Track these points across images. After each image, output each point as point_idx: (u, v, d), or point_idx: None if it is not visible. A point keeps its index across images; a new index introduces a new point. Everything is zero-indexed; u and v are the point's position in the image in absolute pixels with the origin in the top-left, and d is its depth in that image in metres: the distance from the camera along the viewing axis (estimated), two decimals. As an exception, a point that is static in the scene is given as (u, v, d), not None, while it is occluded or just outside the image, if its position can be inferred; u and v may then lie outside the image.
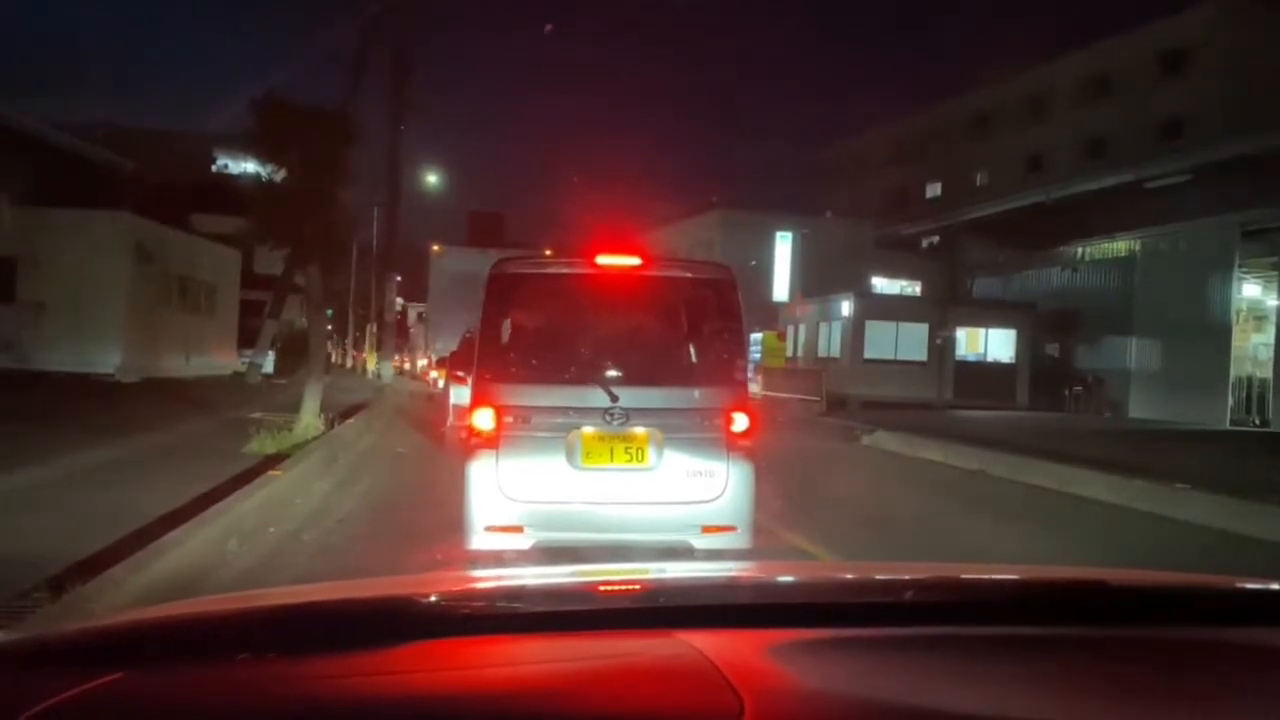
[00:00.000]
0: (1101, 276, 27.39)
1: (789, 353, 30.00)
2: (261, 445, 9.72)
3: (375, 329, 32.79)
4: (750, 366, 18.34)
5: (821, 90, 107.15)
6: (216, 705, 1.09)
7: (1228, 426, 22.52)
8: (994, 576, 1.83)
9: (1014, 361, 26.92)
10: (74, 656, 1.19)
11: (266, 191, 12.36)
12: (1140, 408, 24.89)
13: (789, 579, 1.86)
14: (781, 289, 35.17)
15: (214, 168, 40.53)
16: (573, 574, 1.88)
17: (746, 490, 5.11)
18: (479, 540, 4.98)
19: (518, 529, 4.98)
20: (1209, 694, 1.24)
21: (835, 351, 26.79)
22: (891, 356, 25.85)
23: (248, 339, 25.70)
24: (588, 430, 4.99)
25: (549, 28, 48.84)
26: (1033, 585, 1.68)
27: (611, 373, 5.16)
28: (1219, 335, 23.61)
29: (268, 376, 23.54)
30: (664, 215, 41.04)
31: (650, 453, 5.02)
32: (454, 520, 5.16)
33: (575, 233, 23.41)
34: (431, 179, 30.90)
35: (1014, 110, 41.04)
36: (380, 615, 1.32)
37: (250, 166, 17.23)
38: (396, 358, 32.43)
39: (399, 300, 39.71)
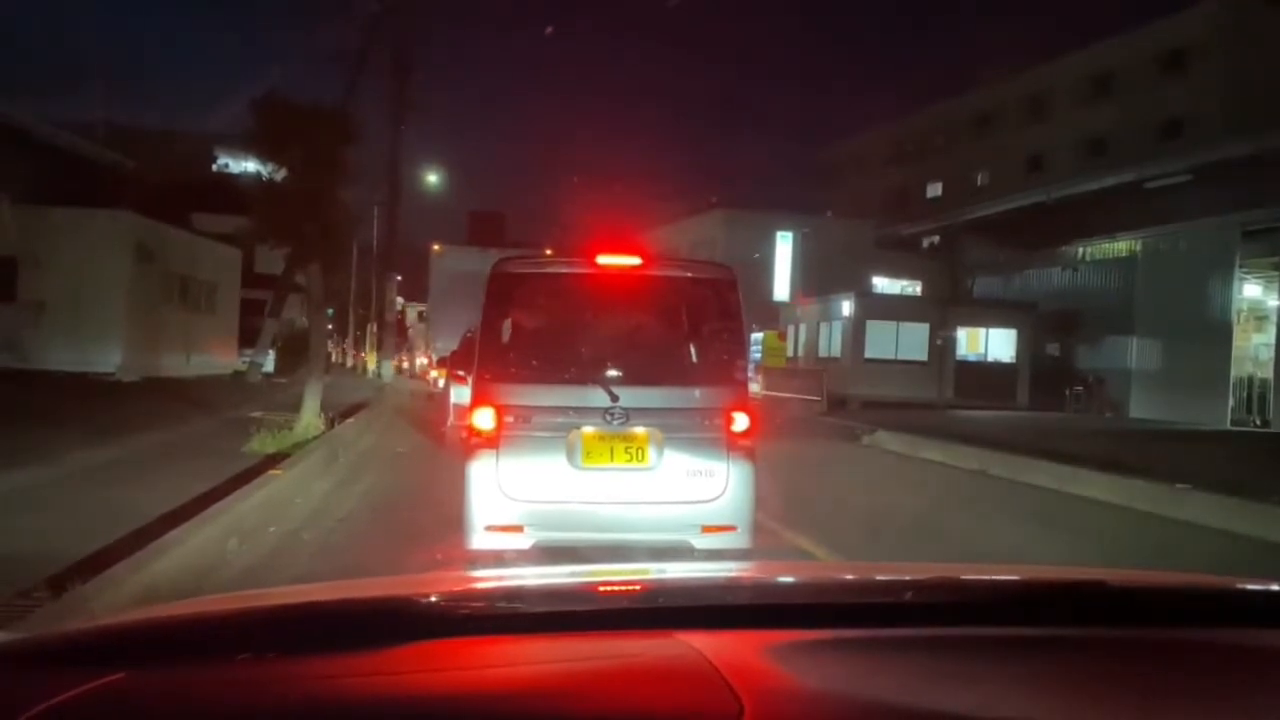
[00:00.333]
0: (1102, 276, 27.38)
1: (789, 352, 30.00)
2: (262, 444, 9.73)
3: (375, 328, 32.78)
4: (751, 366, 18.32)
5: (822, 90, 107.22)
6: (217, 705, 1.09)
7: (1228, 427, 22.52)
8: (994, 577, 1.83)
9: (1014, 361, 26.92)
10: (75, 656, 1.19)
11: (267, 191, 12.38)
12: (1141, 408, 24.89)
13: (789, 579, 1.86)
14: (782, 288, 35.17)
15: (214, 167, 40.55)
16: (573, 574, 1.88)
17: (747, 490, 5.11)
18: (479, 540, 4.98)
19: (518, 528, 4.98)
20: (1210, 694, 1.24)
21: (836, 351, 26.78)
22: (892, 356, 25.84)
23: (248, 338, 25.72)
24: (588, 430, 4.99)
25: (549, 29, 48.64)
26: (1033, 586, 1.68)
27: (612, 372, 5.16)
28: (1220, 335, 23.61)
29: (268, 376, 23.55)
30: (664, 214, 41.08)
31: (650, 452, 5.02)
32: (454, 520, 5.16)
33: (576, 232, 23.44)
34: (432, 178, 30.93)
35: (1015, 110, 41.04)
36: (380, 615, 1.32)
37: (251, 166, 17.24)
38: (397, 357, 32.43)
39: (399, 300, 39.72)
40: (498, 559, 5.03)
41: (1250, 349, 24.71)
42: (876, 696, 1.12)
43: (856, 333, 26.01)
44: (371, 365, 34.13)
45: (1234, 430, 21.95)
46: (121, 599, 3.97)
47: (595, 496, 5.01)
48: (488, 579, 1.86)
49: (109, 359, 19.33)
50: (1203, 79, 32.25)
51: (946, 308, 27.47)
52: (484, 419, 5.02)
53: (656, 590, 1.57)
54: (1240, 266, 23.66)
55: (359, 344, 46.55)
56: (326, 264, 13.18)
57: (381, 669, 1.16)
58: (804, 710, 1.09)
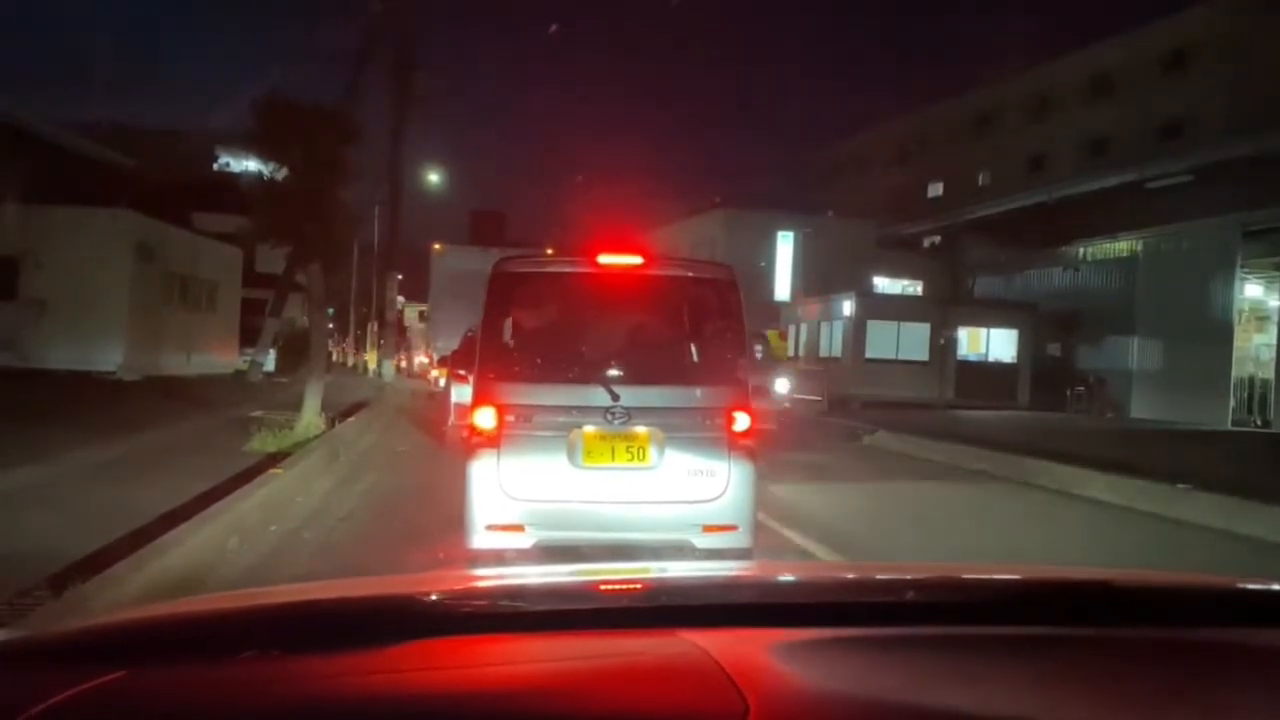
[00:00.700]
0: (1103, 276, 27.38)
1: (790, 352, 30.00)
2: (263, 443, 9.73)
3: (376, 327, 32.77)
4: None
5: (823, 90, 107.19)
6: (220, 703, 1.09)
7: (1229, 427, 22.53)
8: (997, 576, 1.82)
9: (1015, 361, 26.92)
10: (77, 654, 1.19)
11: (268, 190, 12.37)
12: (1142, 408, 24.89)
13: (791, 578, 1.86)
14: (783, 288, 35.15)
15: (215, 166, 40.58)
16: (575, 573, 1.88)
17: (748, 490, 5.11)
18: (480, 539, 4.98)
19: (519, 528, 4.98)
20: (1213, 694, 1.24)
21: (837, 351, 26.79)
22: (893, 356, 25.85)
23: (249, 337, 25.73)
24: (589, 429, 4.99)
25: (553, 28, 48.59)
26: (1035, 585, 1.68)
27: (613, 372, 5.16)
28: (1221, 336, 23.62)
29: (269, 375, 23.55)
30: (665, 214, 41.06)
31: (651, 452, 5.02)
32: (455, 519, 5.16)
33: (577, 232, 23.43)
34: (433, 177, 30.88)
35: (1016, 110, 41.02)
36: (383, 613, 1.32)
37: (252, 165, 17.23)
38: (397, 356, 32.42)
39: (400, 299, 39.72)
40: (499, 558, 5.03)
41: (1251, 349, 24.72)
42: (881, 695, 1.11)
43: (857, 332, 26.01)
44: (372, 365, 34.12)
45: (1235, 431, 21.95)
46: (122, 598, 3.98)
47: (596, 496, 5.01)
48: (490, 577, 1.86)
49: (110, 358, 19.34)
50: (1204, 79, 32.22)
51: (947, 308, 27.47)
52: (485, 418, 5.02)
53: (659, 589, 1.57)
54: (1241, 267, 23.67)
55: (360, 343, 46.55)
56: (327, 263, 13.18)
57: (384, 667, 1.16)
58: (809, 708, 1.09)
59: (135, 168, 26.64)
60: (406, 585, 1.56)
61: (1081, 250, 28.60)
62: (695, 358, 5.69)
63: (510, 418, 5.00)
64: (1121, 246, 27.23)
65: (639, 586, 1.59)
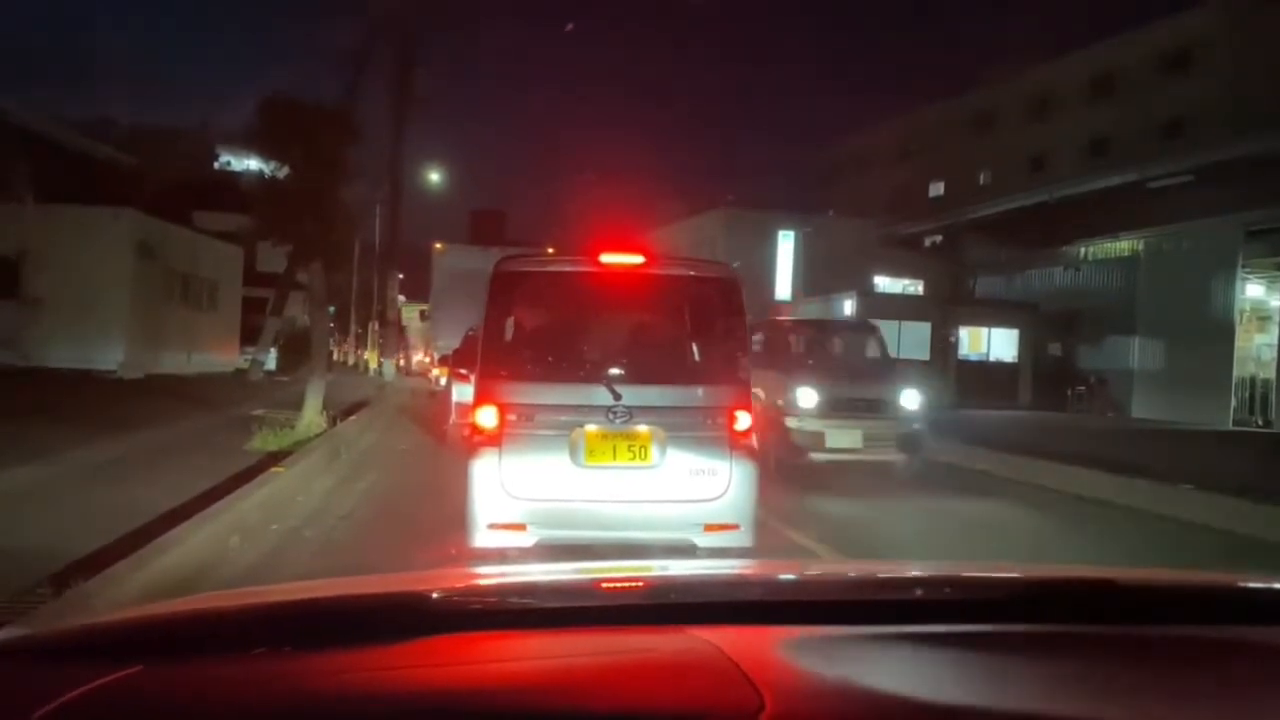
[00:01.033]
0: (1104, 276, 27.38)
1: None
2: (264, 442, 9.73)
3: (377, 326, 32.77)
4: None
5: (824, 89, 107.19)
6: (231, 699, 1.09)
7: (1230, 427, 22.52)
8: (1003, 575, 1.82)
9: (1017, 361, 26.93)
10: (86, 652, 1.19)
11: (269, 189, 12.39)
12: (1143, 408, 24.88)
13: (797, 576, 1.86)
14: (784, 288, 35.14)
15: (216, 165, 40.59)
16: (583, 570, 1.88)
17: (749, 489, 5.11)
18: (482, 538, 4.98)
19: (520, 527, 4.98)
20: (1217, 692, 1.24)
21: (838, 350, 26.74)
22: (894, 355, 25.80)
23: (250, 336, 25.74)
24: (591, 428, 4.99)
25: (566, 27, 48.55)
26: (1043, 584, 1.68)
27: (615, 371, 5.16)
28: (1222, 335, 23.62)
29: (270, 374, 23.57)
30: (666, 213, 41.06)
31: (653, 451, 5.02)
32: (456, 518, 5.16)
33: (577, 231, 23.43)
34: (434, 176, 30.88)
35: (1017, 109, 41.02)
36: (392, 610, 1.32)
37: (253, 163, 17.24)
38: (398, 355, 32.44)
39: (401, 298, 39.74)
40: (501, 556, 5.03)
41: (1252, 349, 24.71)
42: (892, 691, 1.11)
43: (858, 332, 25.96)
44: (373, 364, 34.13)
45: (1236, 430, 21.95)
46: (123, 596, 3.97)
47: (598, 495, 5.01)
48: (496, 575, 1.86)
49: (111, 356, 19.35)
50: (1205, 79, 32.22)
51: (948, 307, 27.47)
52: (487, 417, 5.02)
53: (667, 586, 1.57)
54: (1243, 266, 23.66)
55: (360, 342, 46.57)
56: (328, 262, 13.19)
57: (393, 664, 1.16)
58: (823, 705, 1.09)
59: (136, 166, 26.66)
60: (414, 582, 1.56)
61: (1082, 250, 28.61)
62: (697, 357, 5.70)
63: (512, 416, 5.00)
64: (1123, 246, 27.23)
65: (645, 584, 1.59)
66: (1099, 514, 9.29)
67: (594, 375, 5.14)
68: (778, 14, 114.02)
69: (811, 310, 29.54)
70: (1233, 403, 23.74)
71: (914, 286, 36.53)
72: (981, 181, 42.06)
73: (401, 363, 39.56)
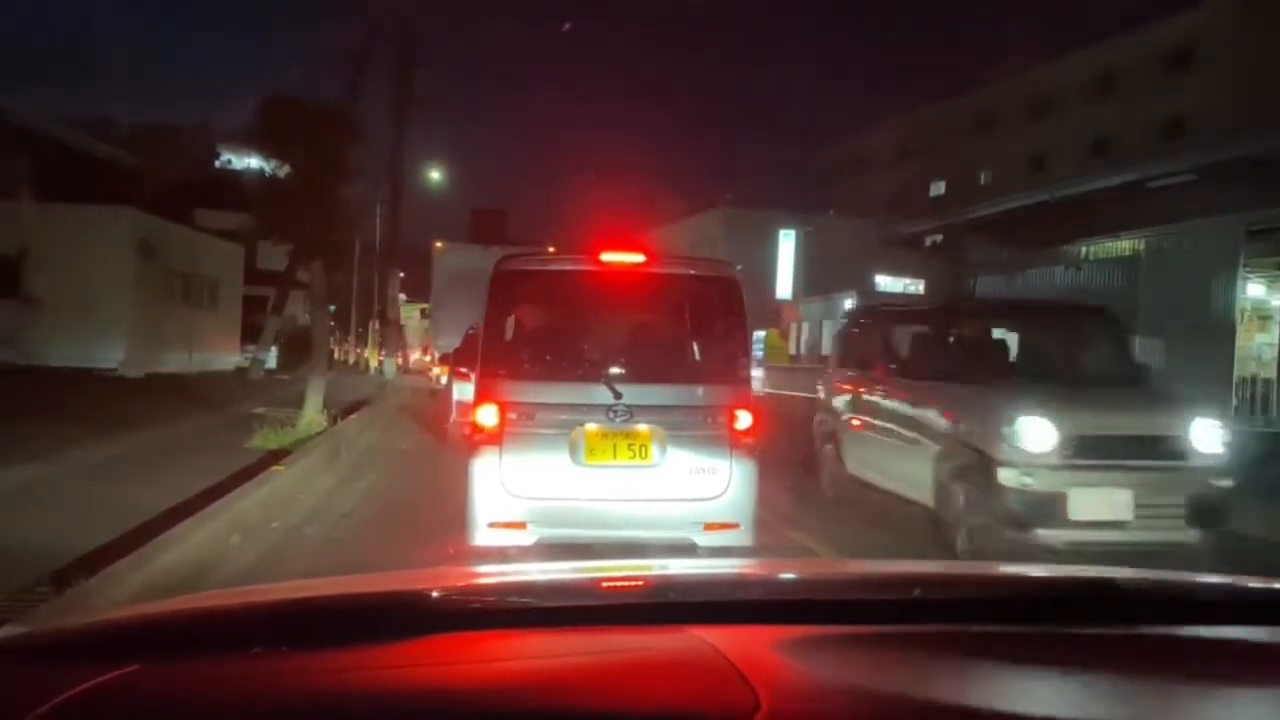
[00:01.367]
0: (1105, 276, 27.31)
1: (792, 350, 30.00)
2: (265, 441, 9.74)
3: (378, 325, 32.77)
4: (755, 362, 18.26)
5: (825, 89, 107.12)
6: (230, 698, 1.09)
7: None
8: (1002, 575, 1.83)
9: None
10: (86, 650, 1.19)
11: (270, 187, 12.40)
12: (1144, 407, 24.86)
13: (797, 575, 1.86)
14: (784, 287, 35.16)
15: (217, 163, 40.59)
16: (582, 569, 1.88)
17: (749, 488, 5.12)
18: (482, 536, 4.99)
19: (521, 525, 4.99)
20: (1217, 692, 1.24)
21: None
22: (894, 354, 25.79)
23: (251, 334, 25.75)
24: (591, 427, 4.99)
25: (566, 26, 48.59)
26: (1042, 584, 1.68)
27: (615, 370, 5.17)
28: (1223, 335, 23.54)
29: (270, 372, 23.57)
30: (666, 213, 41.06)
31: (653, 450, 5.02)
32: (457, 516, 5.16)
33: (577, 230, 23.44)
34: (434, 175, 30.91)
35: (1018, 109, 41.01)
36: (390, 609, 1.32)
37: (254, 162, 17.25)
38: (398, 353, 32.43)
39: (401, 296, 39.74)
40: (502, 555, 5.03)
41: (1253, 349, 24.65)
42: (891, 691, 1.12)
43: (859, 331, 25.94)
44: (374, 362, 34.13)
45: (1236, 430, 21.92)
46: (124, 595, 3.98)
47: (598, 494, 5.02)
48: (495, 573, 1.86)
49: (112, 355, 19.37)
50: (1206, 78, 32.19)
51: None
52: (487, 416, 5.02)
53: (666, 585, 1.57)
54: (1244, 266, 23.62)
55: (361, 341, 46.59)
56: (329, 261, 13.20)
57: (391, 663, 1.16)
58: (820, 705, 1.09)
59: (137, 165, 26.67)
60: (413, 581, 1.56)
61: (1083, 249, 28.55)
62: (697, 356, 5.71)
63: (512, 415, 5.01)
64: (1123, 246, 27.17)
65: (645, 583, 1.59)
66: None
67: (594, 374, 5.15)
68: (778, 14, 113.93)
69: (812, 310, 29.54)
70: (1233, 402, 23.70)
71: (914, 286, 36.47)
72: (982, 181, 42.04)
73: (400, 361, 39.60)
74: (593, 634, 1.29)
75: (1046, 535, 5.99)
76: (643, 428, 5.02)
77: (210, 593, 1.81)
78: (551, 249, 9.40)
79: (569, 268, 5.51)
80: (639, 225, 31.46)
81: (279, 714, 1.08)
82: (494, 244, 23.88)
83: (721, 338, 5.58)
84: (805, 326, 29.63)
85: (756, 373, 18.08)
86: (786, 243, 36.15)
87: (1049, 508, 5.97)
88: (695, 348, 5.75)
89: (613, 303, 5.65)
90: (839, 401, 9.12)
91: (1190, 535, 6.25)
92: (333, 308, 29.94)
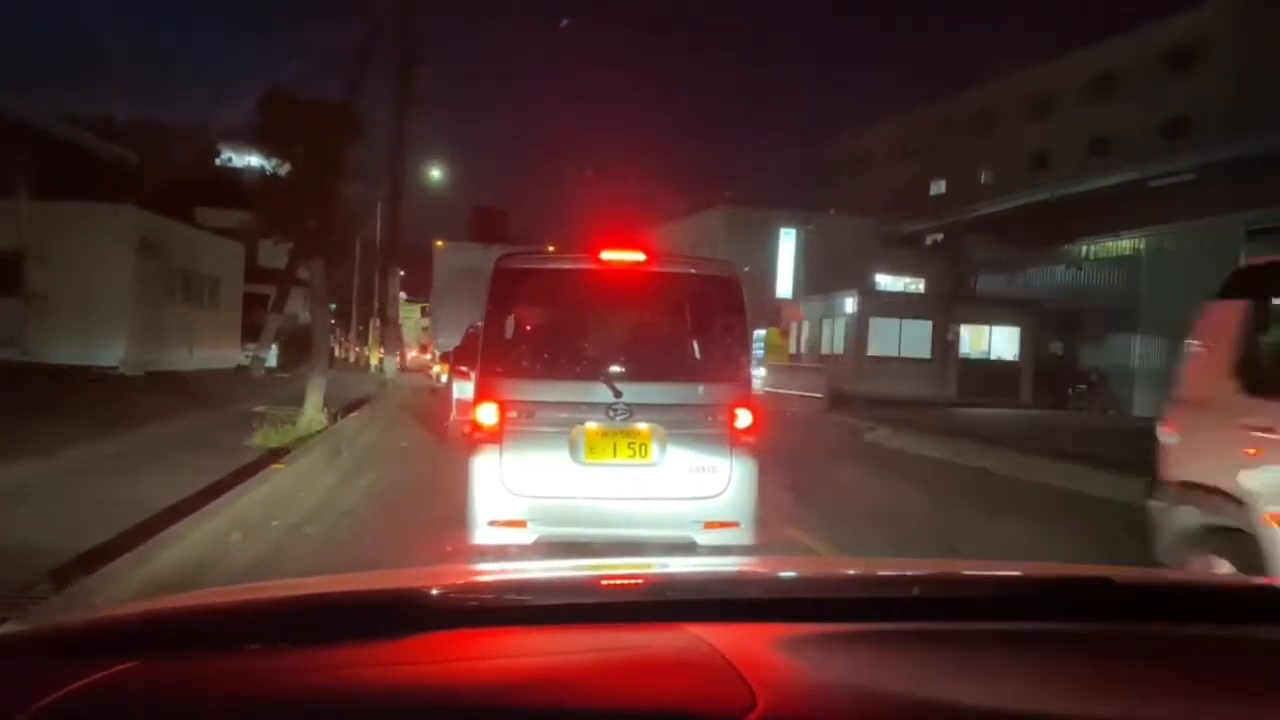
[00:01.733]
0: (1105, 275, 27.36)
1: (792, 349, 30.02)
2: (265, 439, 9.75)
3: (378, 324, 32.77)
4: (756, 361, 18.27)
5: (826, 87, 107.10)
6: (230, 694, 1.10)
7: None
8: (1000, 573, 1.83)
9: (1018, 359, 26.93)
10: (85, 646, 1.20)
11: (270, 185, 12.40)
12: (1145, 406, 24.81)
13: (795, 574, 1.87)
14: (785, 285, 35.17)
15: (218, 161, 40.55)
16: (579, 567, 1.88)
17: (749, 487, 5.12)
18: (482, 535, 5.00)
19: (521, 524, 4.99)
20: (1214, 690, 1.24)
21: (838, 348, 26.80)
22: (895, 353, 25.86)
23: (251, 333, 25.73)
24: (591, 426, 5.00)
25: (564, 22, 48.44)
26: (1039, 582, 1.68)
27: (615, 368, 5.17)
28: (1223, 334, 23.56)
29: (271, 370, 23.57)
30: (667, 212, 41.05)
31: (653, 448, 5.02)
32: (457, 515, 5.17)
33: (578, 229, 23.44)
34: (435, 174, 30.87)
35: (1019, 108, 41.00)
36: (388, 607, 1.33)
37: (254, 160, 17.26)
38: (398, 351, 32.41)
39: (402, 295, 39.74)
40: (502, 553, 5.04)
41: (1254, 348, 24.67)
42: (889, 689, 1.12)
43: (859, 330, 26.03)
44: (374, 361, 34.14)
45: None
46: (124, 592, 3.99)
47: (598, 492, 5.02)
48: (494, 571, 1.87)
49: (112, 353, 19.36)
50: (1207, 78, 32.19)
51: (950, 305, 27.46)
52: (487, 414, 5.03)
53: (665, 583, 1.58)
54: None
55: (361, 339, 46.58)
56: (329, 259, 13.20)
57: (389, 660, 1.16)
58: (817, 703, 1.09)
59: (138, 163, 26.65)
60: (411, 579, 1.56)
61: (1084, 248, 28.57)
62: (697, 354, 5.71)
63: (513, 414, 5.01)
64: (1124, 245, 27.20)
65: (643, 581, 1.60)
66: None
67: (594, 373, 5.15)
68: (779, 13, 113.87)
69: (813, 309, 29.55)
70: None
71: (915, 285, 36.52)
72: (983, 180, 42.05)
73: (398, 360, 39.61)
74: (591, 632, 1.29)
75: None
76: (643, 426, 5.02)
77: (210, 590, 1.81)
78: (551, 248, 9.41)
79: (569, 266, 5.51)
80: (639, 224, 31.44)
81: (278, 711, 1.08)
82: (494, 243, 23.90)
83: (721, 336, 5.58)
84: (805, 325, 29.62)
85: (757, 371, 18.23)
86: (787, 241, 36.14)
87: None
88: (695, 346, 5.76)
89: (613, 301, 5.66)
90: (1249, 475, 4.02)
91: None
92: (333, 306, 29.95)
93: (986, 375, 26.18)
